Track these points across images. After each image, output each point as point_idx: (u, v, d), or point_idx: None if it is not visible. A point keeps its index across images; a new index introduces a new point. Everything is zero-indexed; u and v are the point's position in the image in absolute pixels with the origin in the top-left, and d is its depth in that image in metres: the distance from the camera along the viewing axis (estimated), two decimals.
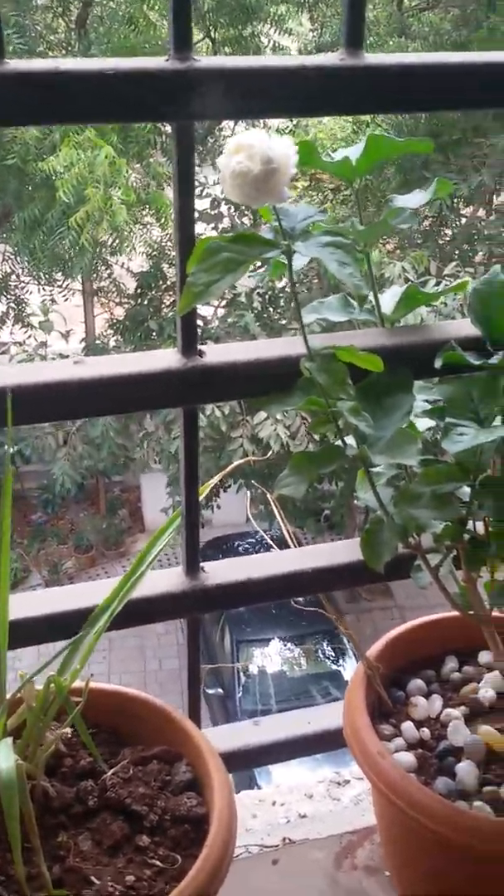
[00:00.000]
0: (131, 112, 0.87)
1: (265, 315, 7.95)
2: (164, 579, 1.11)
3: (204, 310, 8.61)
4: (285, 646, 8.54)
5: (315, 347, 0.94)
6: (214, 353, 0.99)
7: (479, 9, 7.83)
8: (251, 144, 0.80)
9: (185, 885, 0.88)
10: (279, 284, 7.72)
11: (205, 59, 0.82)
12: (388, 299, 1.08)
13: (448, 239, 8.11)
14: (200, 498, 1.09)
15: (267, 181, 0.80)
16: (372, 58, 0.87)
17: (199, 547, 1.10)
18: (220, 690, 8.14)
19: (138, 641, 9.19)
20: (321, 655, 8.47)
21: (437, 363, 0.96)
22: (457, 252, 7.61)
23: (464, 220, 8.12)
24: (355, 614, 9.34)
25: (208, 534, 9.11)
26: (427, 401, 1.03)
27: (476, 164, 7.22)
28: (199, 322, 8.34)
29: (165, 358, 0.98)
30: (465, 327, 1.01)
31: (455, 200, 7.44)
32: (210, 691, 8.21)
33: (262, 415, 7.08)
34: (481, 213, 8.05)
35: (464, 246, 7.71)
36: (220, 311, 8.48)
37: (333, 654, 8.44)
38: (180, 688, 8.57)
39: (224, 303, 8.53)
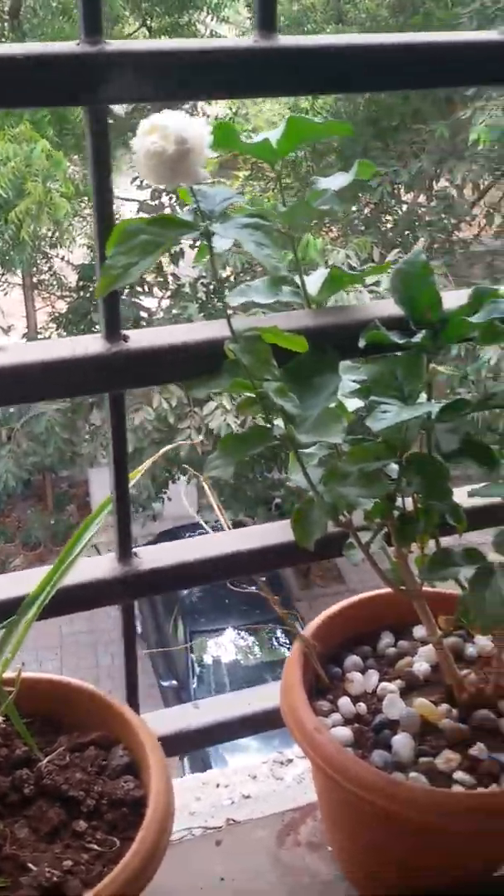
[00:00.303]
0: (43, 97, 0.87)
1: (210, 305, 7.93)
2: (96, 566, 1.11)
3: (148, 301, 8.58)
4: (239, 635, 8.56)
5: (239, 329, 0.94)
6: (139, 338, 0.99)
7: None
8: (165, 125, 0.80)
9: (122, 866, 0.88)
10: (223, 273, 7.71)
11: (115, 43, 0.82)
12: (314, 281, 1.09)
13: (390, 226, 8.17)
14: (131, 483, 1.09)
15: (181, 161, 0.80)
16: (285, 40, 0.87)
17: (131, 532, 1.10)
18: (174, 682, 8.14)
19: (91, 637, 9.14)
20: (275, 643, 8.51)
21: (361, 343, 0.97)
22: (399, 238, 7.67)
23: (405, 207, 8.18)
24: (308, 601, 9.40)
25: (160, 526, 9.09)
26: (355, 381, 1.04)
27: (415, 149, 7.28)
28: (144, 314, 8.30)
29: (89, 344, 0.98)
30: (389, 307, 1.02)
31: (396, 187, 7.49)
32: (165, 683, 8.20)
33: (212, 405, 7.08)
34: (422, 199, 8.11)
35: (405, 232, 7.77)
36: (165, 303, 8.45)
37: (288, 642, 8.49)
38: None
39: (168, 294, 8.50)
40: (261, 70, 0.88)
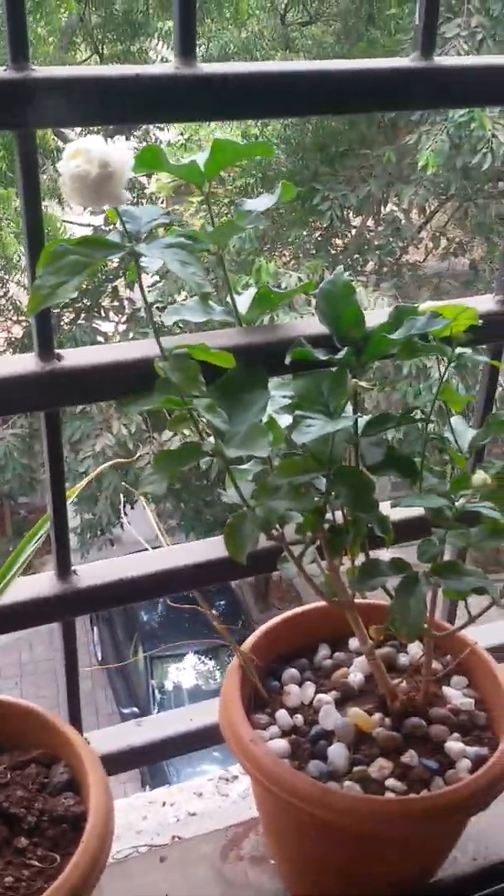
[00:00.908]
0: None
1: (165, 328, 7.96)
2: (34, 584, 1.11)
3: (106, 326, 8.58)
4: (200, 660, 8.52)
5: (168, 347, 0.96)
6: (73, 357, 1.01)
7: (359, 22, 8.02)
8: (88, 149, 0.82)
9: (61, 881, 0.89)
10: (178, 298, 7.74)
11: (42, 69, 0.84)
12: (244, 300, 1.11)
13: (340, 249, 8.26)
14: (69, 501, 1.11)
15: (105, 184, 0.82)
16: (206, 67, 0.90)
17: (70, 549, 1.11)
18: (135, 709, 8.07)
19: (50, 665, 9.04)
20: None
21: (287, 359, 1.00)
22: (349, 261, 7.76)
23: (354, 231, 8.28)
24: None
25: (119, 551, 9.04)
26: (286, 396, 1.06)
27: (363, 174, 7.38)
28: (101, 339, 8.30)
29: (22, 362, 0.99)
30: (316, 325, 1.05)
31: (345, 211, 7.59)
32: (125, 710, 8.14)
33: (169, 433, 7.09)
34: (370, 223, 8.22)
35: (355, 255, 7.87)
36: (122, 327, 8.46)
37: None
38: (95, 707, 8.47)
39: (125, 318, 8.51)
40: (182, 96, 0.90)
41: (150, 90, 0.89)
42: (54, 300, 0.86)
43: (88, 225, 8.55)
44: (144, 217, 0.91)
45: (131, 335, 8.08)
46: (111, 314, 8.65)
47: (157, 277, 7.23)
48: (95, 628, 9.12)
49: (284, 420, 1.05)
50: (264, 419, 1.00)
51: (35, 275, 0.88)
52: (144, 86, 0.88)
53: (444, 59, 1.00)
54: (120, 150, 0.83)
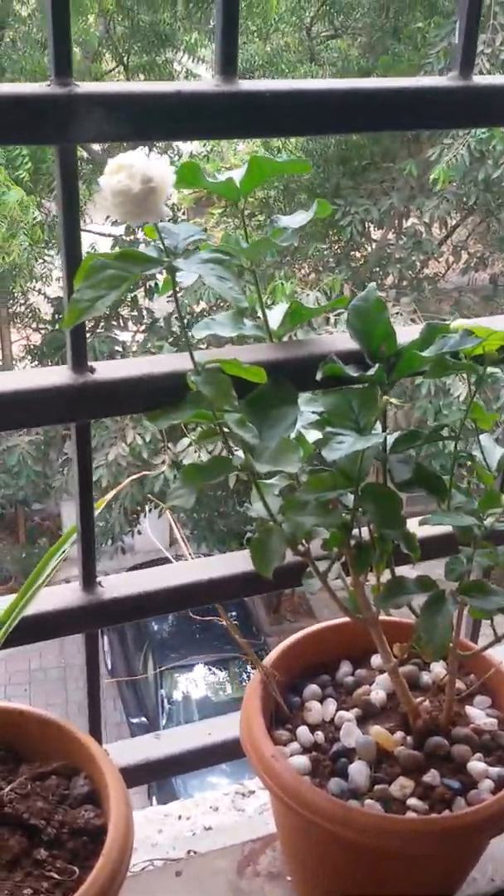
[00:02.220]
0: (13, 135, 0.89)
1: (183, 340, 7.96)
2: (60, 595, 1.12)
3: (124, 335, 8.61)
4: (210, 670, 8.50)
5: (201, 362, 0.97)
6: (105, 370, 1.01)
7: (384, 36, 8.05)
8: (131, 164, 0.83)
9: (80, 894, 0.89)
10: (197, 309, 7.77)
11: (84, 85, 0.85)
12: (276, 315, 1.12)
13: (360, 262, 8.27)
14: (97, 512, 1.11)
15: (146, 199, 0.83)
16: (246, 84, 0.91)
17: (96, 561, 1.12)
18: (143, 719, 8.06)
19: (60, 673, 9.05)
20: (245, 679, 8.46)
21: (318, 375, 1.00)
22: (369, 275, 7.77)
23: (374, 244, 8.29)
24: (278, 636, 9.36)
25: (132, 559, 9.05)
26: (315, 412, 1.07)
27: (385, 188, 7.40)
28: (118, 348, 8.33)
29: (56, 374, 1.00)
30: (347, 342, 1.05)
31: (366, 224, 7.60)
32: (134, 720, 8.13)
33: (185, 441, 7.10)
34: (391, 236, 8.24)
35: (376, 269, 7.88)
36: (140, 337, 8.48)
37: None
38: (103, 716, 8.45)
39: (143, 328, 8.54)
40: (222, 113, 0.91)
41: (190, 107, 0.90)
42: (92, 314, 0.87)
43: (109, 235, 8.60)
44: (182, 233, 0.91)
45: (149, 345, 8.10)
46: (129, 324, 8.68)
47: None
48: (105, 637, 9.13)
49: (312, 435, 1.05)
50: (293, 435, 1.01)
51: (72, 288, 0.89)
52: (185, 102, 0.89)
53: (482, 79, 1.00)
54: (161, 166, 0.83)
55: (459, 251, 8.45)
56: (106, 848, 0.94)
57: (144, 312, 8.52)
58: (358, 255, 8.37)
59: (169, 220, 0.93)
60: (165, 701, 8.11)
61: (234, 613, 8.65)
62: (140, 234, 8.36)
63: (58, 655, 9.06)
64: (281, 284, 6.09)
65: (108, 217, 7.17)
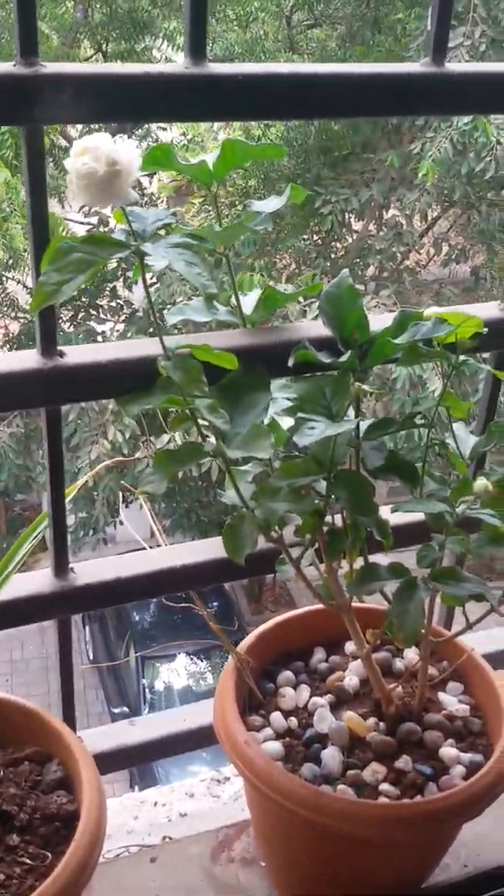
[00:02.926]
0: None
1: (155, 326, 7.90)
2: (31, 581, 1.11)
3: (103, 326, 8.57)
4: (191, 660, 8.51)
5: (171, 347, 0.96)
6: (75, 354, 1.01)
7: (364, 26, 8.02)
8: (97, 147, 0.82)
9: (52, 879, 0.89)
10: (178, 300, 7.74)
11: (51, 65, 0.84)
12: (249, 301, 1.11)
13: (341, 254, 8.26)
14: (68, 499, 1.10)
15: (112, 182, 0.82)
16: (217, 67, 0.90)
17: (68, 547, 1.11)
18: (125, 709, 8.06)
19: (42, 663, 9.03)
20: None
21: (290, 361, 1.00)
22: (350, 267, 7.76)
23: (355, 235, 8.28)
24: (259, 625, 9.38)
25: (113, 550, 9.03)
26: (288, 398, 1.06)
27: (366, 179, 7.37)
28: (99, 339, 8.29)
29: (25, 359, 0.99)
30: (319, 328, 1.05)
31: (346, 215, 7.58)
32: (115, 710, 8.12)
33: (165, 438, 7.09)
34: (372, 227, 8.22)
35: (356, 260, 7.86)
36: (120, 327, 8.44)
37: None
38: (85, 706, 8.45)
39: (123, 318, 8.50)
40: (190, 95, 0.90)
41: (158, 89, 0.89)
42: (58, 298, 0.86)
43: (88, 223, 8.54)
44: (151, 217, 0.91)
45: (129, 335, 8.06)
46: (108, 315, 8.64)
47: (152, 280, 7.22)
48: (87, 627, 9.12)
49: (286, 422, 1.05)
50: (266, 421, 1.00)
51: (39, 271, 0.88)
52: (153, 84, 0.88)
53: (454, 66, 1.00)
54: (128, 149, 0.83)
55: (440, 243, 8.44)
56: (78, 833, 0.94)
57: (123, 304, 8.48)
58: (339, 246, 8.35)
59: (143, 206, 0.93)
60: (147, 691, 8.11)
61: (215, 603, 8.66)
62: (113, 225, 8.31)
63: (39, 646, 9.04)
64: (249, 277, 6.06)
65: (83, 206, 7.11)
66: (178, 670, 8.40)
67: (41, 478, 8.30)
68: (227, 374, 1.00)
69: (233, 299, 1.09)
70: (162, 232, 0.93)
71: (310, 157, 7.76)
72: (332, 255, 8.08)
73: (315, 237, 8.11)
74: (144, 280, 0.92)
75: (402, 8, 7.72)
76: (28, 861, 0.95)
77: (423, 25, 6.99)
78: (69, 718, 1.20)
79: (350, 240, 8.33)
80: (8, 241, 7.01)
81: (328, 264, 7.63)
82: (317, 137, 7.74)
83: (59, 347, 0.99)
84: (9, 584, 1.05)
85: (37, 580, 1.11)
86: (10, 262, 7.89)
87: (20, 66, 0.84)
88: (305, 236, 7.96)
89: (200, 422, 0.99)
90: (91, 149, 0.82)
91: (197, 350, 0.95)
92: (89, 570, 1.13)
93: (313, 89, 0.95)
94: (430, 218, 8.34)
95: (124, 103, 0.88)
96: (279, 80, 0.93)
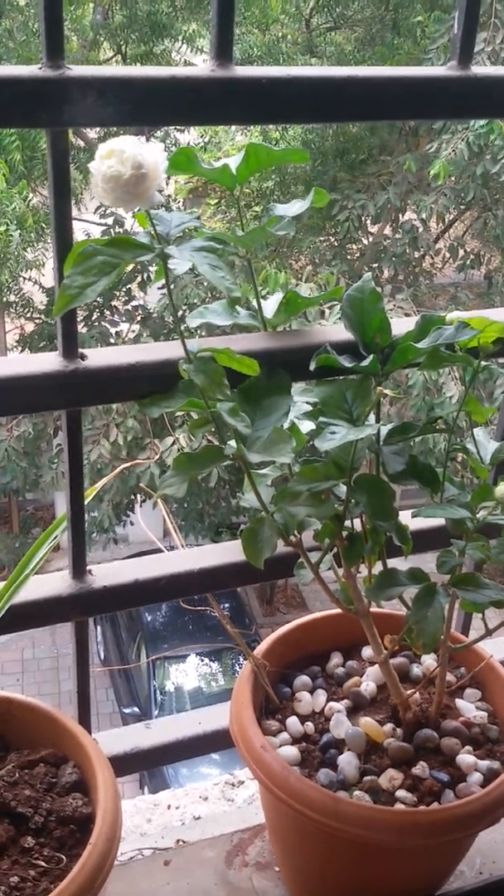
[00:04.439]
0: (4, 119, 0.88)
1: (176, 330, 7.90)
2: (49, 583, 1.11)
3: (117, 328, 8.58)
4: (202, 661, 8.51)
5: (194, 350, 0.96)
6: (96, 357, 1.01)
7: (383, 29, 8.03)
8: (122, 150, 0.82)
9: (68, 882, 0.89)
10: (193, 302, 7.74)
11: (76, 69, 0.84)
12: (271, 305, 1.11)
13: (357, 256, 8.25)
14: (87, 501, 1.10)
15: (137, 185, 0.82)
16: (241, 70, 0.90)
17: (86, 550, 1.11)
18: (136, 709, 8.06)
19: (52, 662, 9.05)
20: (238, 670, 8.46)
21: (312, 366, 0.99)
22: (366, 269, 7.76)
23: (371, 238, 8.27)
24: (271, 627, 9.36)
25: (125, 550, 9.05)
26: (309, 402, 1.06)
27: (382, 182, 7.37)
28: (112, 341, 8.30)
29: (47, 361, 0.99)
30: (341, 332, 1.05)
31: (363, 218, 7.58)
32: (126, 710, 8.13)
33: (168, 440, 7.10)
34: (388, 231, 8.21)
35: (372, 264, 7.86)
36: (136, 327, 8.45)
37: None
38: (95, 706, 8.46)
39: (138, 321, 8.51)
40: (217, 98, 0.90)
41: (184, 92, 0.89)
42: (82, 300, 0.86)
43: (103, 224, 8.56)
44: (174, 220, 0.91)
45: (143, 337, 8.07)
46: (123, 317, 8.65)
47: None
48: (99, 627, 9.13)
49: (306, 426, 1.05)
50: (286, 425, 1.00)
51: (63, 274, 0.88)
52: (179, 87, 0.88)
53: (480, 69, 1.00)
54: (153, 152, 0.82)
55: (456, 248, 8.43)
56: (93, 836, 0.93)
57: (138, 307, 8.49)
58: (354, 248, 8.35)
59: (163, 209, 0.93)
60: (158, 691, 8.11)
61: (226, 605, 8.66)
62: (129, 226, 8.33)
63: (50, 645, 9.06)
64: (274, 273, 6.06)
65: (98, 207, 7.12)
66: (188, 671, 8.41)
67: (50, 477, 8.33)
68: (249, 378, 1.00)
69: (254, 302, 1.09)
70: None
71: (326, 159, 7.77)
72: (348, 257, 8.07)
73: (332, 239, 8.12)
74: (168, 283, 0.92)
75: (422, 11, 7.71)
76: (43, 864, 0.95)
77: (442, 28, 6.98)
78: (85, 721, 1.20)
79: (366, 242, 8.33)
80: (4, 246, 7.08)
81: (345, 267, 7.63)
82: (334, 140, 7.75)
83: (80, 350, 0.99)
84: (27, 586, 1.05)
85: (55, 582, 1.11)
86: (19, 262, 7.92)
87: (46, 68, 0.84)
88: (322, 238, 7.96)
89: (220, 425, 0.99)
90: (117, 152, 0.82)
91: (219, 354, 0.95)
92: (107, 572, 1.13)
93: (340, 93, 0.94)
94: (446, 221, 8.33)
95: (150, 106, 0.88)
96: (303, 82, 0.93)
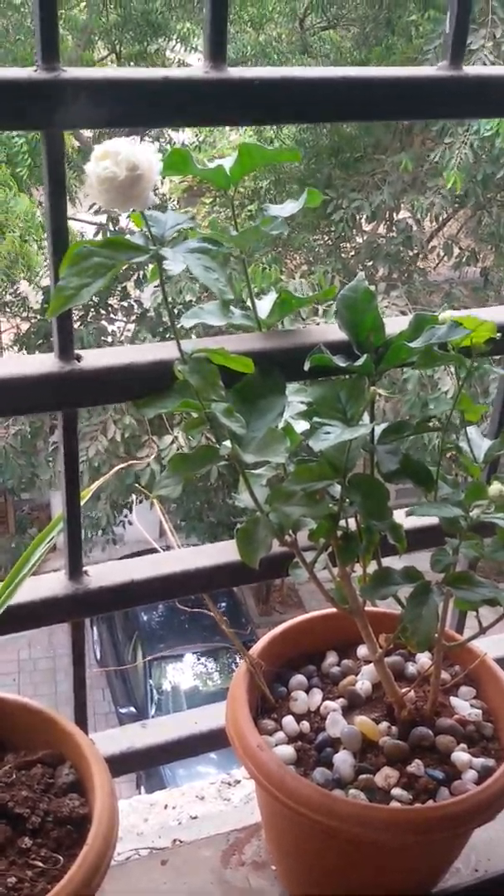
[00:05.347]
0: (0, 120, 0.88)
1: (170, 329, 7.91)
2: (46, 584, 1.11)
3: (113, 325, 8.58)
4: (199, 660, 8.51)
5: (188, 351, 0.97)
6: (91, 358, 1.01)
7: (377, 28, 8.02)
8: (117, 151, 0.82)
9: (65, 883, 0.89)
10: (188, 298, 7.74)
11: (71, 70, 0.85)
12: (264, 305, 1.11)
13: (352, 254, 8.25)
14: (83, 502, 1.11)
15: (132, 187, 0.82)
16: (235, 71, 0.90)
17: (82, 550, 1.11)
18: (132, 709, 8.06)
19: (49, 663, 9.04)
20: (235, 669, 8.43)
21: (306, 366, 1.00)
22: (360, 267, 7.77)
23: (365, 237, 8.27)
24: (268, 626, 9.34)
25: (122, 550, 9.04)
26: (303, 402, 1.06)
27: (377, 181, 7.38)
28: (108, 339, 8.30)
29: (42, 362, 0.99)
30: (335, 332, 1.05)
31: (357, 217, 7.58)
32: (122, 710, 8.13)
33: (167, 439, 7.09)
34: (382, 229, 8.21)
35: (367, 262, 7.86)
36: (131, 327, 8.45)
37: None
38: (92, 706, 8.46)
39: (134, 318, 8.50)
40: (211, 99, 0.90)
41: (178, 93, 0.89)
42: (77, 301, 0.86)
43: (96, 223, 8.56)
44: (169, 221, 0.91)
45: (140, 334, 8.07)
46: (119, 315, 8.65)
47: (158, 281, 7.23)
48: (94, 628, 9.13)
49: (301, 426, 1.05)
50: (281, 425, 1.00)
51: (58, 275, 0.88)
52: (173, 88, 0.89)
53: (471, 69, 1.00)
54: (148, 153, 0.83)
55: (451, 246, 8.44)
56: (90, 837, 0.94)
57: (134, 304, 8.49)
58: (349, 246, 8.35)
59: (157, 209, 0.93)
60: (154, 691, 8.11)
61: (223, 604, 8.66)
62: (124, 225, 8.33)
63: (47, 646, 9.05)
64: (263, 269, 6.04)
65: (92, 205, 7.11)
66: (185, 671, 8.40)
67: (46, 476, 8.32)
68: (243, 378, 1.00)
69: (248, 302, 1.10)
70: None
71: (321, 158, 7.77)
72: (343, 256, 8.07)
73: (326, 237, 8.12)
74: (163, 284, 0.92)
75: (416, 10, 7.71)
76: (40, 864, 0.95)
77: (438, 28, 6.98)
78: (81, 722, 1.21)
79: (360, 240, 8.33)
80: (26, 260, 7.07)
81: (339, 265, 7.63)
82: (328, 139, 7.75)
83: (76, 351, 1.00)
84: (23, 587, 1.05)
85: (51, 583, 1.11)
86: (25, 272, 7.92)
87: (41, 70, 0.84)
88: (316, 236, 7.96)
89: (214, 425, 0.99)
90: (112, 153, 0.82)
91: (213, 354, 0.95)
92: (103, 572, 1.14)
93: (333, 93, 0.95)
94: (440, 219, 8.33)
95: (145, 108, 0.89)
96: (297, 83, 0.94)
